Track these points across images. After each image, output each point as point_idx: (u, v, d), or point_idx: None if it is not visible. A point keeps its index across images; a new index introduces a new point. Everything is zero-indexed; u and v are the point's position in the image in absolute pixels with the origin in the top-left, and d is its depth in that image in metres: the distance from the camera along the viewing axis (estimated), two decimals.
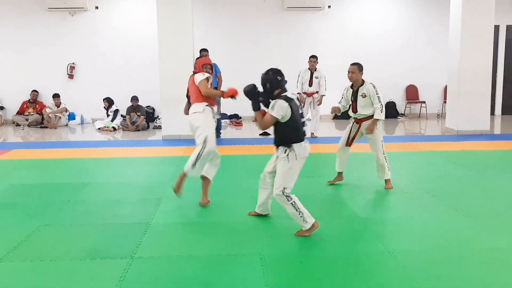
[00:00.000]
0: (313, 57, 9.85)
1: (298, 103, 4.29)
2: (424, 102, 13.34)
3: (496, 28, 12.51)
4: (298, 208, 4.16)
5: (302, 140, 4.24)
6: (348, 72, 5.62)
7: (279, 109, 4.13)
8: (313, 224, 4.19)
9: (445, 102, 12.19)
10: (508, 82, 13.60)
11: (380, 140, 5.74)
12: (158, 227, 4.55)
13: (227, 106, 11.99)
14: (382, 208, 5.23)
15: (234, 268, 3.63)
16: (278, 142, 4.29)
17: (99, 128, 11.62)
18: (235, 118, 12.82)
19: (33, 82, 12.70)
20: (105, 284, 3.36)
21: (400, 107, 13.55)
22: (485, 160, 7.69)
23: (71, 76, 12.90)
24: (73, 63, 12.86)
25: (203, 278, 3.47)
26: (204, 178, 5.19)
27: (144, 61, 12.49)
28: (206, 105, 5.16)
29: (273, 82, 4.21)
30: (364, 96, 5.58)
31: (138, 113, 11.69)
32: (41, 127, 12.10)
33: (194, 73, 5.32)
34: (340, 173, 6.02)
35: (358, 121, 5.81)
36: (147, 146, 9.51)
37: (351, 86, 5.73)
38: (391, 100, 13.38)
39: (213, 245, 4.08)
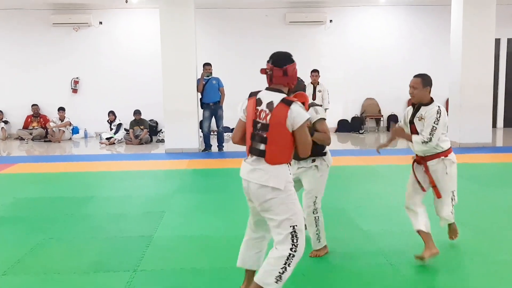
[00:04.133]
0: (315, 71, 9.92)
1: None
2: None
3: (497, 41, 12.57)
4: (318, 225, 4.07)
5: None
6: (410, 86, 4.02)
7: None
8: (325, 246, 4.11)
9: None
10: (510, 95, 13.62)
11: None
12: (161, 240, 4.57)
13: (230, 119, 12.06)
14: (384, 220, 5.23)
15: (236, 281, 3.64)
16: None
17: (106, 138, 11.67)
18: None
19: (37, 97, 12.80)
20: None
21: None
22: (488, 173, 7.70)
23: (75, 91, 13.00)
24: (77, 78, 12.96)
25: None
26: None
27: (147, 75, 12.58)
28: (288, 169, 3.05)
29: None
30: (420, 118, 3.95)
31: (141, 127, 11.76)
32: (45, 141, 12.16)
33: (286, 96, 3.06)
34: (420, 232, 4.00)
35: (420, 160, 4.08)
36: (151, 160, 9.55)
37: (413, 105, 4.09)
38: (393, 113, 13.42)
39: (216, 258, 4.09)
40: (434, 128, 3.80)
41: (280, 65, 3.09)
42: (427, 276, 3.67)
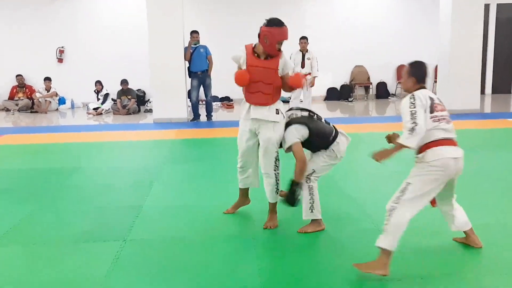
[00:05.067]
0: (304, 38, 9.78)
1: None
2: None
3: (487, 7, 12.49)
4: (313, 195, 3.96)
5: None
6: None
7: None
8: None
9: (435, 81, 12.22)
10: (498, 61, 13.64)
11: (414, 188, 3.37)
12: (151, 210, 4.58)
13: (219, 88, 11.96)
14: (372, 187, 5.27)
15: (226, 249, 3.68)
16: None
17: (93, 109, 11.56)
18: (226, 101, 12.79)
19: (22, 67, 12.56)
20: (99, 266, 3.39)
21: (391, 87, 13.57)
22: (475, 139, 7.75)
23: (60, 60, 12.78)
24: (62, 47, 12.73)
25: (196, 259, 3.51)
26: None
27: (134, 44, 12.37)
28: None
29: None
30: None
31: (129, 97, 11.65)
32: (31, 112, 12.02)
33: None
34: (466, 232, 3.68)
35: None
36: (139, 130, 9.49)
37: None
38: (382, 81, 13.40)
39: (205, 228, 4.11)
40: (413, 112, 3.16)
41: (262, 25, 3.87)
42: (412, 239, 3.72)
